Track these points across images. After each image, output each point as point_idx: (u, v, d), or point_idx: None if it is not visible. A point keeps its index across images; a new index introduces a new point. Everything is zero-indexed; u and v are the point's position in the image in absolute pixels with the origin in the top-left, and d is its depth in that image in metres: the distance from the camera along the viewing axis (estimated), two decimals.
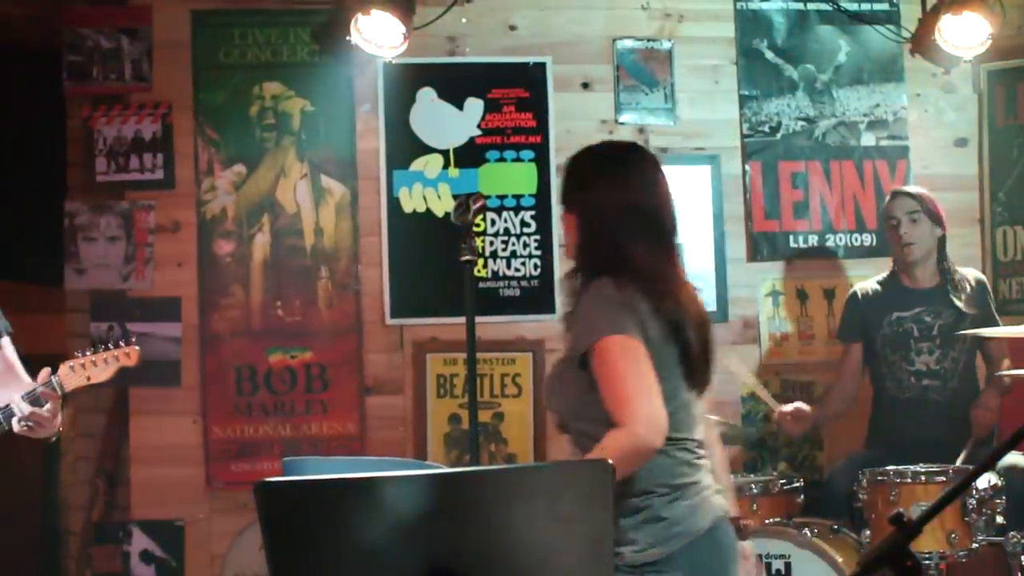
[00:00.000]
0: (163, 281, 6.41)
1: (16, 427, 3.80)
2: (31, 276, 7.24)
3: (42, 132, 6.66)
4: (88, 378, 3.77)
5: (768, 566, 5.00)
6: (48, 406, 3.75)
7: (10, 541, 8.30)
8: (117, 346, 3.85)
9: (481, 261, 6.39)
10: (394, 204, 6.46)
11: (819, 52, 6.78)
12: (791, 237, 6.69)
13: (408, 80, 6.52)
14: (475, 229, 3.54)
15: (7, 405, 3.83)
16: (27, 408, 3.75)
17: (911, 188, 6.21)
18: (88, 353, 3.82)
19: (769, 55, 6.75)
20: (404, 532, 2.55)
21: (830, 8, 6.74)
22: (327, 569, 2.57)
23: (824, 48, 6.78)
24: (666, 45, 6.70)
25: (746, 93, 6.72)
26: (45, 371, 3.81)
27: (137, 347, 3.84)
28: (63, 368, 3.78)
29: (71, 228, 6.38)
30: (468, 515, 2.56)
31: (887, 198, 6.18)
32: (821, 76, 6.76)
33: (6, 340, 4.20)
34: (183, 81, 6.48)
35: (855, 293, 6.22)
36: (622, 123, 6.65)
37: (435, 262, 6.31)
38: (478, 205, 3.53)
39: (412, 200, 6.46)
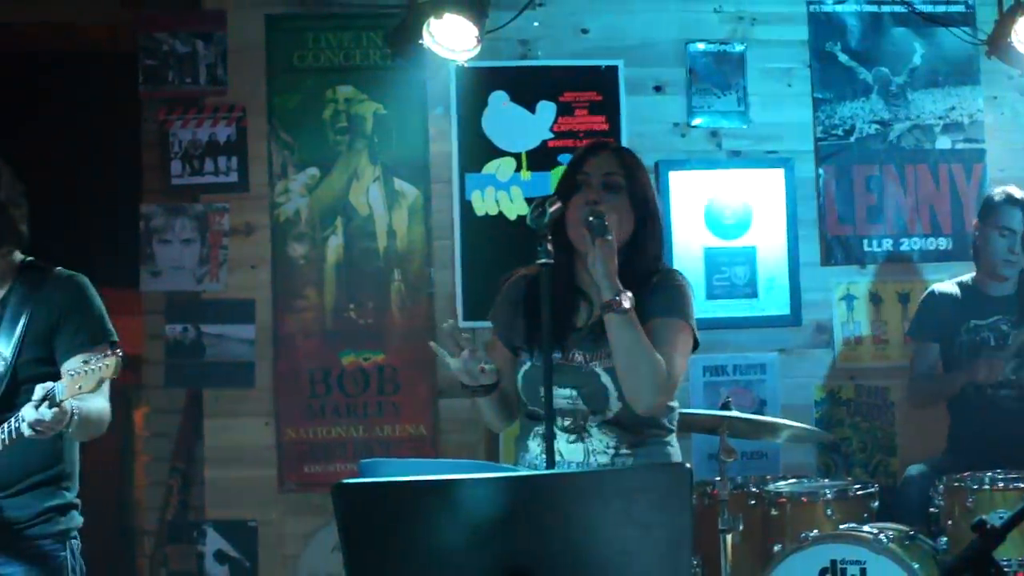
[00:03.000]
0: (237, 283, 6.45)
1: (26, 431, 3.90)
2: (108, 278, 7.30)
3: (118, 136, 6.72)
4: (79, 387, 3.84)
5: (843, 572, 4.95)
6: (48, 412, 3.83)
7: (85, 540, 8.37)
8: (104, 355, 3.90)
9: None
10: (467, 207, 6.47)
11: (893, 54, 6.73)
12: (865, 241, 6.64)
13: (480, 83, 6.53)
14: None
15: (22, 411, 3.92)
16: (32, 415, 3.85)
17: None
18: (92, 361, 3.88)
19: (843, 58, 6.70)
20: (480, 534, 2.55)
21: (905, 10, 6.69)
22: (403, 570, 2.58)
23: (899, 50, 6.73)
24: (739, 48, 6.67)
25: (819, 96, 6.68)
26: (51, 383, 3.90)
27: (118, 357, 3.89)
28: (64, 377, 3.85)
29: (146, 231, 6.44)
30: (544, 518, 2.56)
31: (995, 201, 6.04)
32: (896, 79, 6.71)
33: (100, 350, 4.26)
34: (257, 84, 6.52)
35: (933, 292, 6.18)
36: (694, 126, 6.63)
37: (507, 265, 6.26)
38: (554, 208, 3.54)
39: (485, 203, 6.47)
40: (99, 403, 4.08)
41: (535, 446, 3.83)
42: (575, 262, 3.85)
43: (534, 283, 3.82)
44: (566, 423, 3.77)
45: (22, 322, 4.18)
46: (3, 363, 4.17)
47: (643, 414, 3.73)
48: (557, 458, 3.65)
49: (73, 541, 4.29)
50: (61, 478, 4.26)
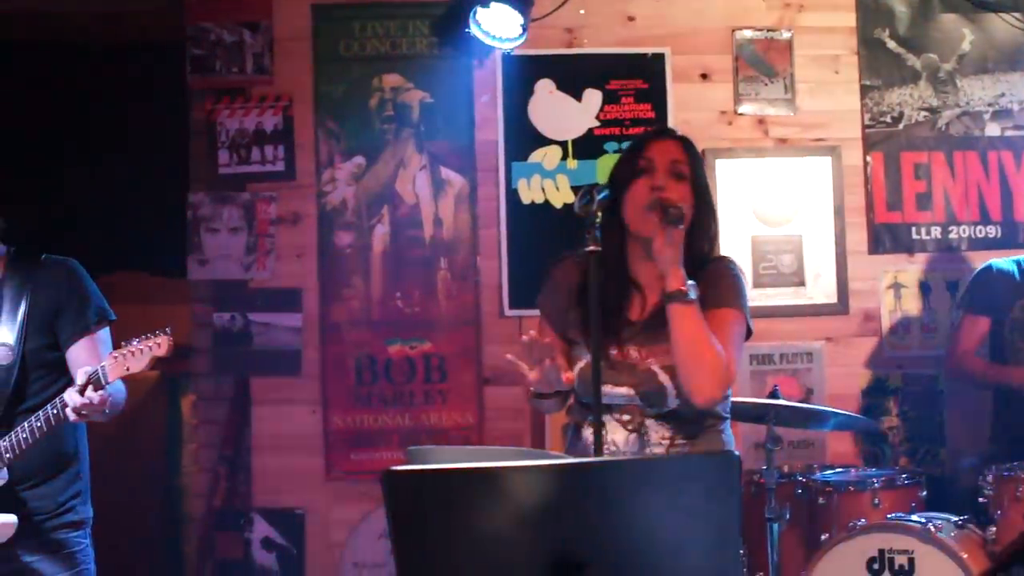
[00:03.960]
0: (284, 272, 6.48)
1: (71, 416, 3.94)
2: (157, 267, 7.36)
3: (165, 125, 6.75)
4: (127, 368, 3.88)
5: (891, 561, 4.93)
6: (95, 395, 3.87)
7: (133, 527, 8.45)
8: (153, 335, 3.93)
9: None
10: (513, 195, 6.48)
11: (942, 41, 6.68)
12: (913, 229, 6.60)
13: (526, 72, 6.52)
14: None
15: (61, 396, 3.96)
16: (77, 399, 3.89)
17: None
18: (133, 343, 3.92)
19: (891, 44, 6.66)
20: (528, 522, 2.55)
21: None
22: (451, 557, 2.58)
23: (948, 36, 6.68)
24: (786, 35, 6.64)
25: (867, 83, 6.64)
26: (89, 367, 3.95)
27: (169, 336, 3.92)
28: (108, 359, 3.90)
29: (194, 219, 6.47)
30: (592, 506, 2.56)
31: None
32: (944, 65, 6.66)
33: (104, 330, 4.31)
34: (304, 74, 6.54)
35: (990, 267, 5.98)
36: (741, 114, 6.60)
37: (553, 253, 6.26)
38: (602, 195, 3.52)
39: (531, 191, 6.47)
40: (120, 384, 4.14)
41: (589, 435, 3.76)
42: (628, 251, 3.83)
43: (584, 277, 3.73)
44: (624, 418, 3.73)
45: (22, 310, 4.23)
46: (11, 353, 4.20)
47: (702, 407, 3.70)
48: (612, 448, 3.64)
49: (88, 529, 4.35)
50: (77, 467, 4.35)
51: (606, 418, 3.73)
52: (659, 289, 3.73)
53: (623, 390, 3.72)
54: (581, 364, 3.79)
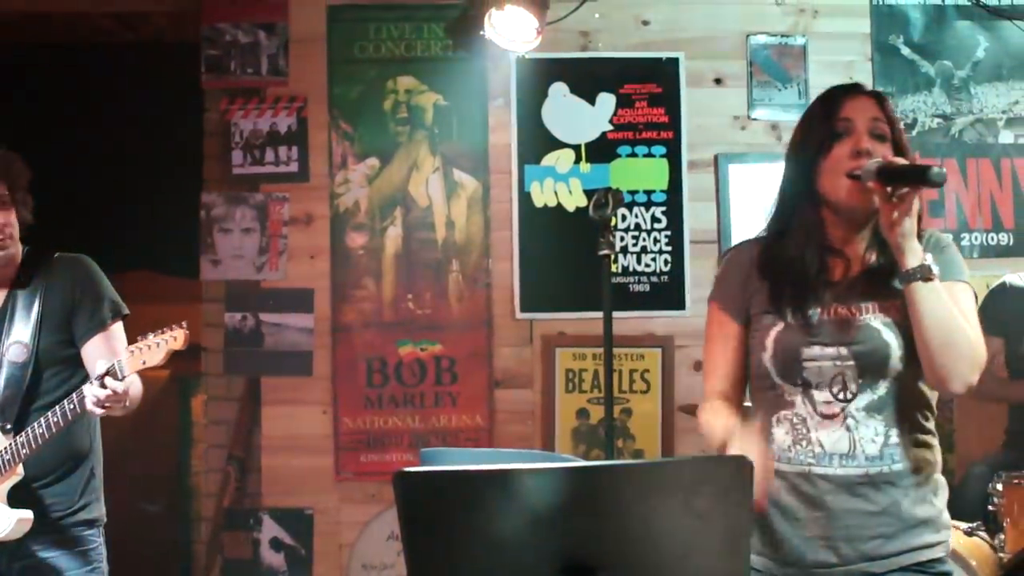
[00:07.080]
0: (296, 273, 6.49)
1: (92, 409, 3.96)
2: (169, 266, 7.38)
3: (180, 125, 6.77)
4: (144, 362, 3.91)
5: None
6: (118, 385, 3.89)
7: (143, 526, 8.45)
8: (169, 329, 3.95)
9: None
10: (525, 198, 6.48)
11: (957, 48, 6.68)
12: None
13: (540, 75, 6.54)
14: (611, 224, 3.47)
15: (80, 389, 3.98)
16: (100, 391, 3.90)
17: None
18: (150, 336, 3.94)
19: (905, 51, 6.66)
20: (539, 524, 2.55)
21: (968, 3, 6.64)
22: (462, 559, 2.58)
23: (962, 44, 6.68)
24: (800, 41, 6.65)
25: (881, 89, 6.62)
26: (104, 360, 3.97)
27: (185, 330, 3.94)
28: (125, 353, 3.92)
29: (207, 220, 6.48)
30: (604, 509, 2.56)
31: None
32: (958, 72, 6.66)
33: (118, 325, 4.32)
34: (318, 75, 6.55)
35: (1004, 284, 5.93)
36: (755, 119, 6.60)
37: (565, 257, 6.34)
38: (616, 199, 3.50)
39: (543, 195, 6.48)
40: (136, 379, 4.13)
41: (782, 434, 3.34)
42: (825, 219, 3.40)
43: (766, 249, 3.49)
44: (835, 391, 3.26)
45: (36, 308, 4.25)
46: (26, 351, 4.23)
47: (958, 392, 3.22)
48: (817, 449, 3.26)
49: (102, 528, 4.37)
50: (92, 465, 4.36)
51: (801, 405, 3.31)
52: (862, 254, 3.37)
53: (831, 351, 3.26)
54: (778, 329, 3.34)
